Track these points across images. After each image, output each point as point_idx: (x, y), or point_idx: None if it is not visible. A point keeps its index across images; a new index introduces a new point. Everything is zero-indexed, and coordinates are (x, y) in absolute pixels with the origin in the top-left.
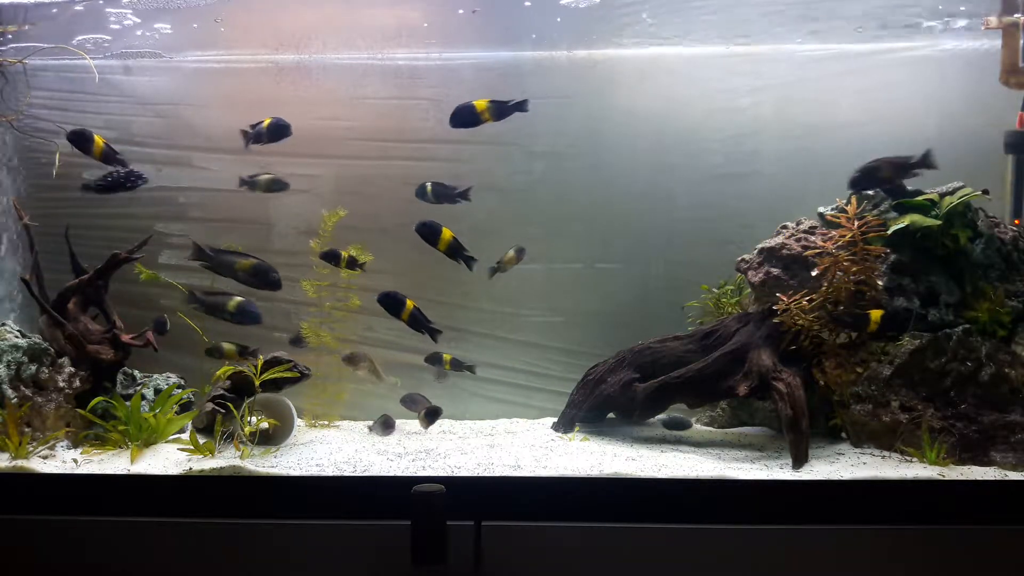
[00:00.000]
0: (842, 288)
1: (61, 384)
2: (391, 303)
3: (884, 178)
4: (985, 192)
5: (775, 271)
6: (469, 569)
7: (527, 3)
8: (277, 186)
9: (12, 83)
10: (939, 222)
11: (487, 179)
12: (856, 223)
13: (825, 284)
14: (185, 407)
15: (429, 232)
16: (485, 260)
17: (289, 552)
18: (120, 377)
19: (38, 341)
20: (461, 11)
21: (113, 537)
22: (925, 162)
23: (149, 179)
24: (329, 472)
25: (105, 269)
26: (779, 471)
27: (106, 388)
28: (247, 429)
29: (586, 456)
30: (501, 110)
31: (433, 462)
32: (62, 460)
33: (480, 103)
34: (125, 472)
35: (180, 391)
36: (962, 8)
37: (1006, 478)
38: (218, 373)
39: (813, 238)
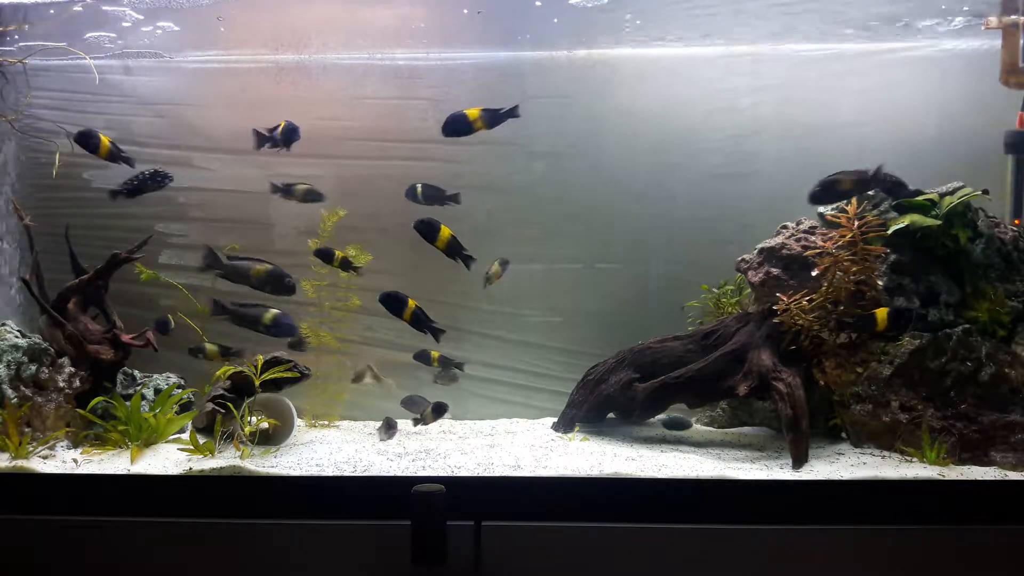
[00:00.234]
0: (842, 288)
1: (61, 384)
2: (393, 303)
3: (844, 191)
4: (985, 192)
5: (775, 271)
6: (469, 569)
7: (538, 3)
8: (312, 196)
9: (12, 83)
10: (939, 222)
11: (487, 179)
12: (856, 223)
13: (825, 284)
14: (185, 407)
15: (428, 229)
16: (484, 260)
17: (289, 552)
18: (120, 377)
19: (38, 341)
20: (466, 11)
21: (113, 537)
22: (879, 176)
23: (174, 178)
24: (329, 472)
25: (105, 269)
26: (779, 471)
27: (106, 388)
28: (247, 429)
29: (586, 456)
30: (493, 118)
31: (433, 462)
32: (62, 460)
33: (472, 112)
34: (125, 472)
35: (180, 391)
36: (966, 8)
37: (1006, 478)
38: (218, 373)
39: (813, 238)
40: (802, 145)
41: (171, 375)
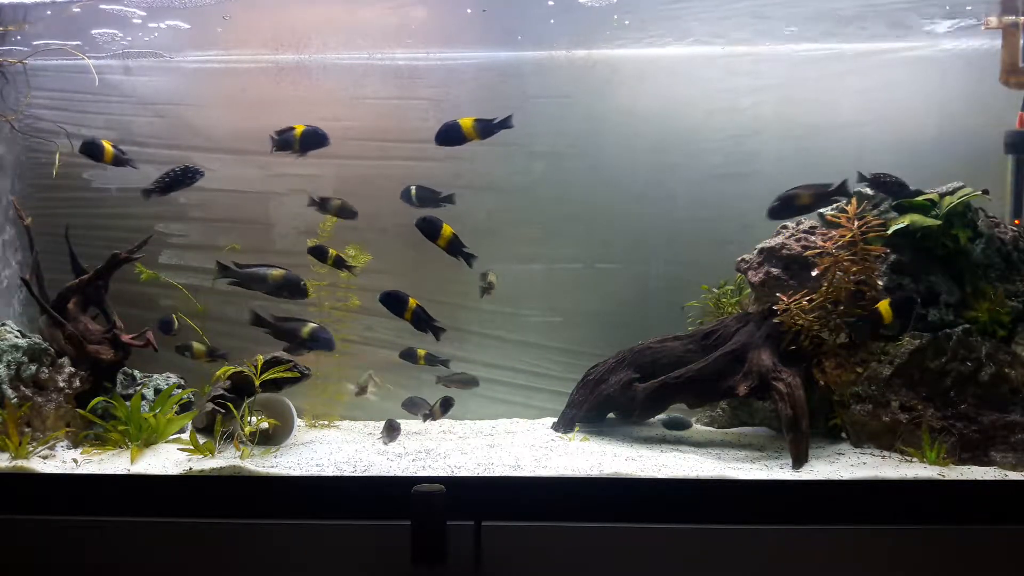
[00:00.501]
0: (842, 288)
1: (61, 384)
2: (393, 302)
3: (803, 206)
4: (985, 192)
5: (775, 271)
6: (469, 569)
7: (550, 2)
8: (346, 213)
9: (12, 83)
10: (939, 222)
11: (487, 179)
12: (856, 223)
13: (825, 284)
14: (185, 407)
15: (429, 227)
16: (484, 260)
17: (289, 552)
18: (120, 377)
19: (38, 341)
20: (469, 10)
21: (113, 537)
22: (842, 190)
23: (205, 172)
24: (329, 472)
25: (105, 269)
26: (779, 471)
27: (106, 388)
28: (247, 429)
29: (586, 456)
30: (487, 128)
31: (433, 462)
32: (62, 460)
33: (466, 121)
34: (125, 472)
35: (180, 391)
36: (968, 8)
37: (1006, 478)
38: (218, 373)
39: (813, 238)
40: (802, 145)
41: (171, 375)
